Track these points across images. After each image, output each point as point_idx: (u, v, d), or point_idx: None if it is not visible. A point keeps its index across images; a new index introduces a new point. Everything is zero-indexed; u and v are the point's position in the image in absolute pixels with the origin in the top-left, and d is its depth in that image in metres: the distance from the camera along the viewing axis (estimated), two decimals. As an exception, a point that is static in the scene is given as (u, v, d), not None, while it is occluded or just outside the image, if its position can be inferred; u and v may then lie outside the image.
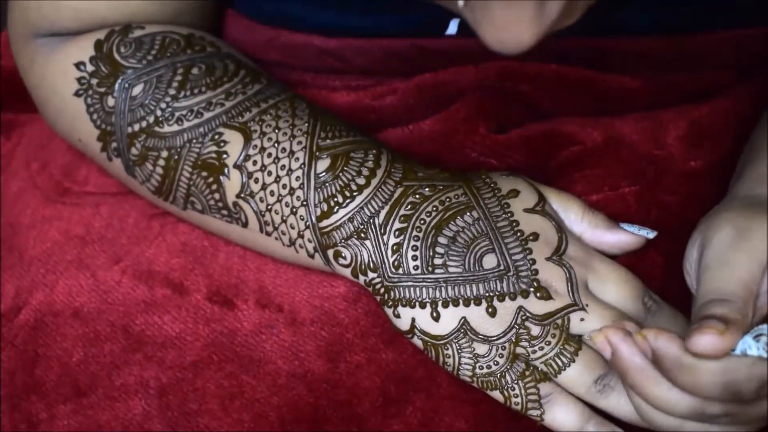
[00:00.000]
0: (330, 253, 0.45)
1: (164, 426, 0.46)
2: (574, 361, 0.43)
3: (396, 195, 0.45)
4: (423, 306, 0.44)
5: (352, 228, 0.45)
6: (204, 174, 0.47)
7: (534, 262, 0.44)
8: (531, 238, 0.44)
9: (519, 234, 0.44)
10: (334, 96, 0.52)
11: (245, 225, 0.47)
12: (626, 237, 0.46)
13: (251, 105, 0.47)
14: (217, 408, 0.46)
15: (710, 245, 0.42)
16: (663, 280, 0.47)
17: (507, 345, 0.43)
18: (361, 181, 0.45)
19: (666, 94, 0.52)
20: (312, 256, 0.46)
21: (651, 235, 0.46)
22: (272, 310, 0.48)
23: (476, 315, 0.43)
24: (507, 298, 0.43)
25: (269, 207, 0.46)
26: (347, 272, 0.46)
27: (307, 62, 0.53)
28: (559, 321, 0.43)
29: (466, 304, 0.43)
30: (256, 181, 0.46)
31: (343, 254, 0.45)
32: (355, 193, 0.45)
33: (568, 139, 0.51)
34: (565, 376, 0.43)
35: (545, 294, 0.43)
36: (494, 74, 0.51)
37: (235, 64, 0.49)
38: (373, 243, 0.44)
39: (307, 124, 0.47)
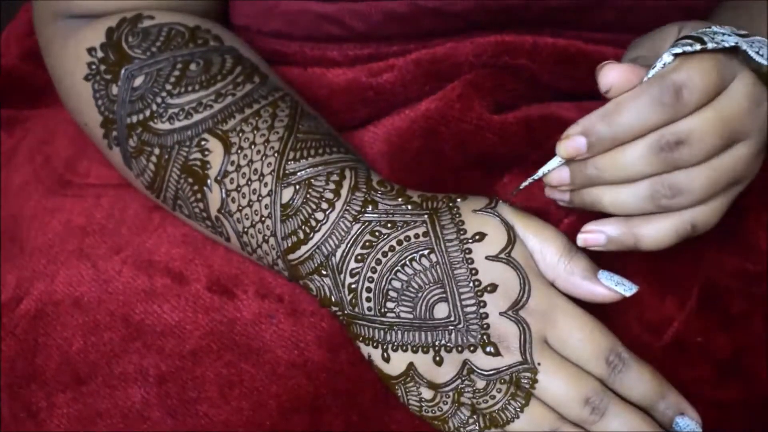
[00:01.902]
0: (301, 283, 0.46)
1: (163, 414, 0.46)
2: (518, 417, 0.42)
3: (352, 232, 0.44)
4: (375, 346, 0.44)
5: (313, 265, 0.45)
6: (190, 180, 0.47)
7: (486, 315, 0.43)
8: (488, 289, 0.43)
9: (476, 284, 0.43)
10: (332, 74, 0.52)
11: (228, 240, 0.48)
12: (601, 291, 0.44)
13: (236, 110, 0.47)
14: (216, 396, 0.46)
15: None
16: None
17: (451, 394, 0.43)
18: (320, 215, 0.45)
19: None
20: (290, 281, 0.47)
21: (628, 293, 0.44)
22: (272, 301, 0.48)
23: (423, 362, 0.43)
24: (454, 350, 0.43)
25: (245, 230, 0.46)
26: (318, 302, 0.46)
27: (306, 30, 0.53)
28: (507, 376, 0.42)
29: (414, 350, 0.43)
30: (233, 200, 0.46)
31: (310, 287, 0.46)
32: (315, 230, 0.45)
33: (566, 124, 0.50)
34: (511, 427, 0.43)
35: (494, 350, 0.42)
36: (491, 49, 0.51)
37: (234, 60, 0.49)
38: (332, 281, 0.44)
39: (279, 142, 0.46)
